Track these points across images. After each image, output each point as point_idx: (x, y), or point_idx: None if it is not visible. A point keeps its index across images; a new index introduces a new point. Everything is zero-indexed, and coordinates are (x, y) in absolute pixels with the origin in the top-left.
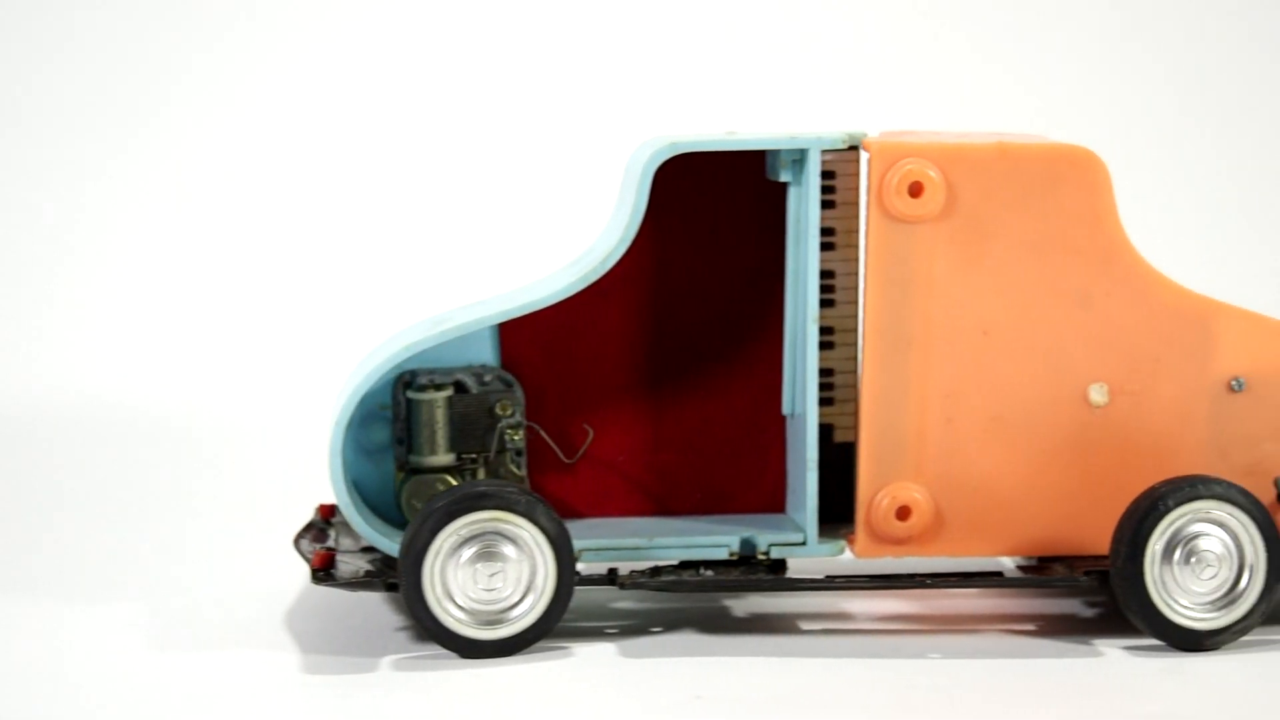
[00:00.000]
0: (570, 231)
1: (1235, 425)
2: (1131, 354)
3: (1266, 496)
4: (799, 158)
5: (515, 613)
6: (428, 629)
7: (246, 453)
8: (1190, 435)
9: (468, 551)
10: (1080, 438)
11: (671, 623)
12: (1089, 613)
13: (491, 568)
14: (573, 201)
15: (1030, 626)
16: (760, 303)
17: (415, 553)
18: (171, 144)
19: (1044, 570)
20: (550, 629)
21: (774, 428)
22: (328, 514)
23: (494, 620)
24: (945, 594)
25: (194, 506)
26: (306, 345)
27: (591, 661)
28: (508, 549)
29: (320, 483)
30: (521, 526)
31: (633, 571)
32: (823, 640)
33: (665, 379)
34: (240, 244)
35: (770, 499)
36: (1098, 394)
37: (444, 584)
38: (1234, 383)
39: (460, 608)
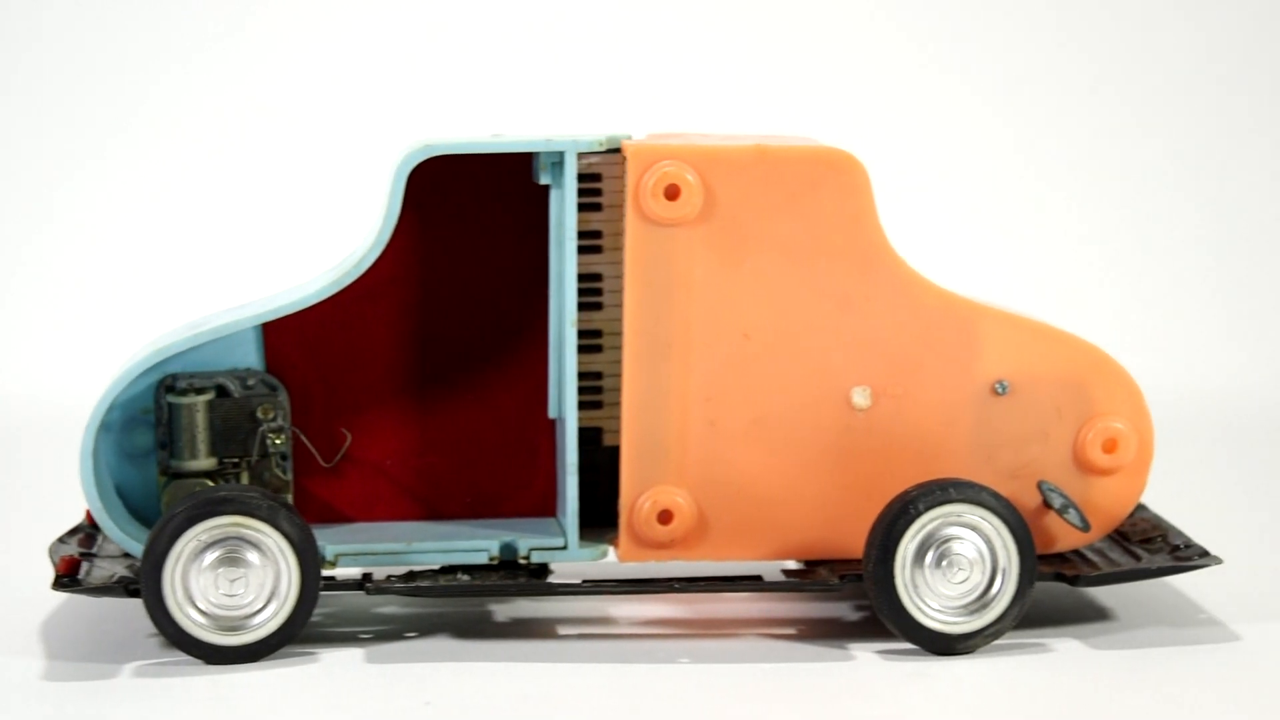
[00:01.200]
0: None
1: (1000, 428)
2: (894, 357)
3: (1034, 500)
4: (558, 160)
5: (259, 619)
6: (169, 635)
7: (23, 455)
8: (955, 438)
9: (210, 556)
10: (843, 441)
11: (430, 628)
12: (854, 616)
13: (234, 573)
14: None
15: (791, 631)
16: (530, 306)
17: (155, 558)
18: None
19: (809, 574)
20: (295, 635)
21: (544, 431)
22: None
23: (237, 626)
24: (716, 598)
25: None
26: (98, 345)
27: (334, 668)
28: (251, 555)
29: None
30: (264, 532)
31: (390, 576)
32: (576, 645)
33: (435, 382)
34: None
35: (542, 503)
36: (860, 397)
37: (185, 589)
38: (998, 386)
39: (202, 613)
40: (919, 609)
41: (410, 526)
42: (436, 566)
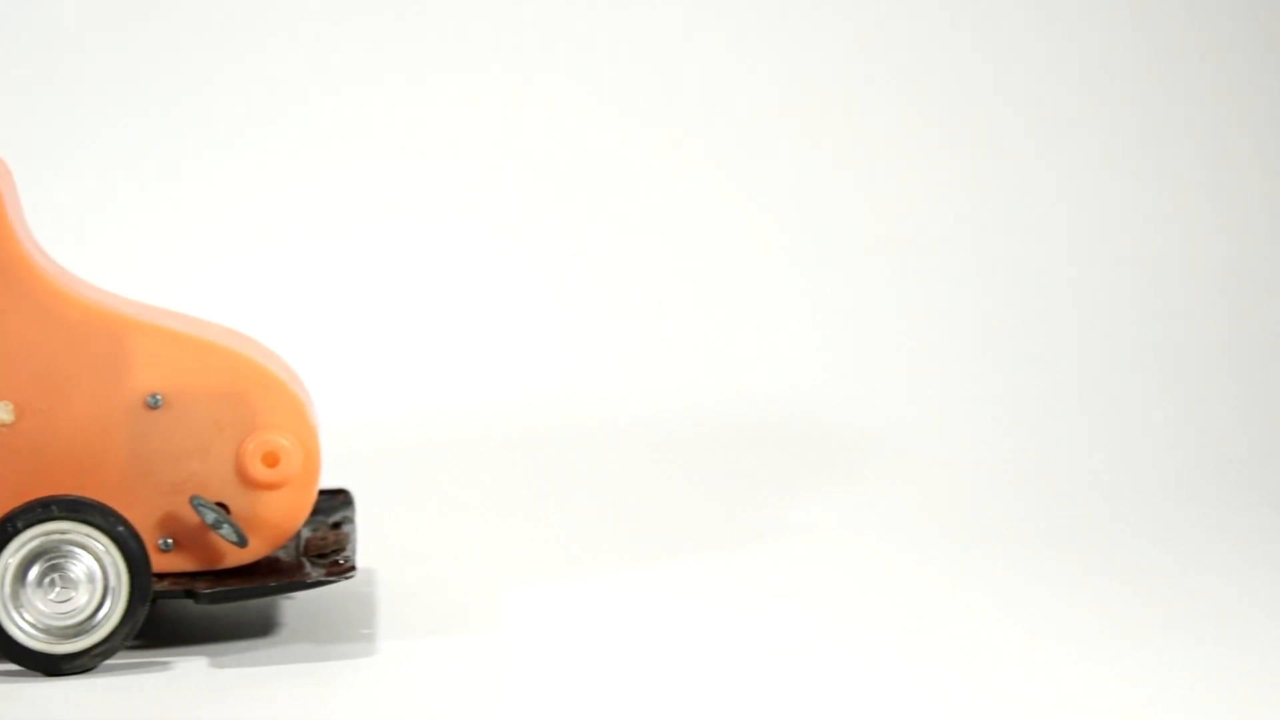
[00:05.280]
0: None
1: (158, 442)
2: (35, 371)
3: (197, 516)
4: None
5: None
6: None
7: None
8: (110, 453)
9: None
10: None
11: None
12: None
13: None
14: None
15: None
16: None
17: None
18: None
19: None
20: None
21: None
22: None
23: None
24: None
25: None
26: None
27: None
28: None
29: None
30: None
31: None
32: None
33: None
34: None
35: None
36: (3, 412)
37: None
38: (151, 400)
39: None
40: (18, 628)
41: None
42: None
